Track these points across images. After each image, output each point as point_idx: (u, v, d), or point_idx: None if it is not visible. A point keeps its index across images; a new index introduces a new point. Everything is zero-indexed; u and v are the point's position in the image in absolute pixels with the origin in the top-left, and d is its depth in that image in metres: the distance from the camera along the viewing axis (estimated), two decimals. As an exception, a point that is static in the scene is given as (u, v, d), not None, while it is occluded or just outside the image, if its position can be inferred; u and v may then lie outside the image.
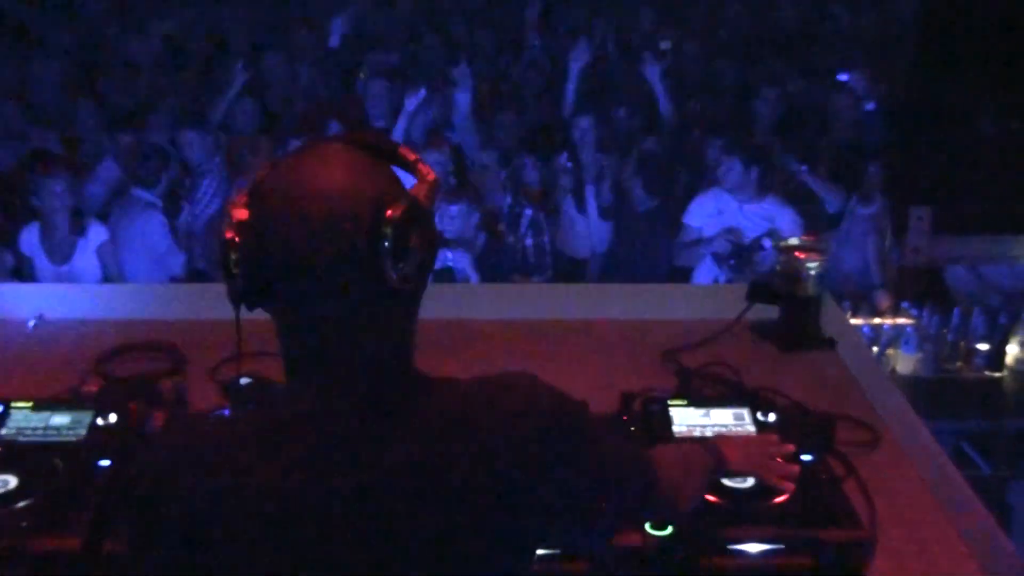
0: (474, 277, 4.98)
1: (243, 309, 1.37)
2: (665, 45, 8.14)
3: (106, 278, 5.18)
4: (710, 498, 1.91)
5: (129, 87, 6.83)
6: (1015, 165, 2.13)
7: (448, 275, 4.95)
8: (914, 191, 2.12)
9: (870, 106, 6.43)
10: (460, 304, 2.90)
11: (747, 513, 1.90)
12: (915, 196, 2.13)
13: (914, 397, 4.42)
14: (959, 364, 4.62)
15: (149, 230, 5.41)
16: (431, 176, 1.39)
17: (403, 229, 1.28)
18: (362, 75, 7.13)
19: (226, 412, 2.24)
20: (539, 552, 1.63)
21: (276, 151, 5.99)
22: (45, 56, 7.04)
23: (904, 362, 4.58)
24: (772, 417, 2.21)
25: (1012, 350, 4.56)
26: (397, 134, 5.97)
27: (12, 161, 5.85)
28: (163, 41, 7.68)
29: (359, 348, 1.34)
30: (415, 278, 1.32)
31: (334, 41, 7.49)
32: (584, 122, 6.17)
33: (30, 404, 2.17)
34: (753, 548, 1.88)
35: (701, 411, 2.24)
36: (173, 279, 5.40)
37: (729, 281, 4.99)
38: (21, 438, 2.08)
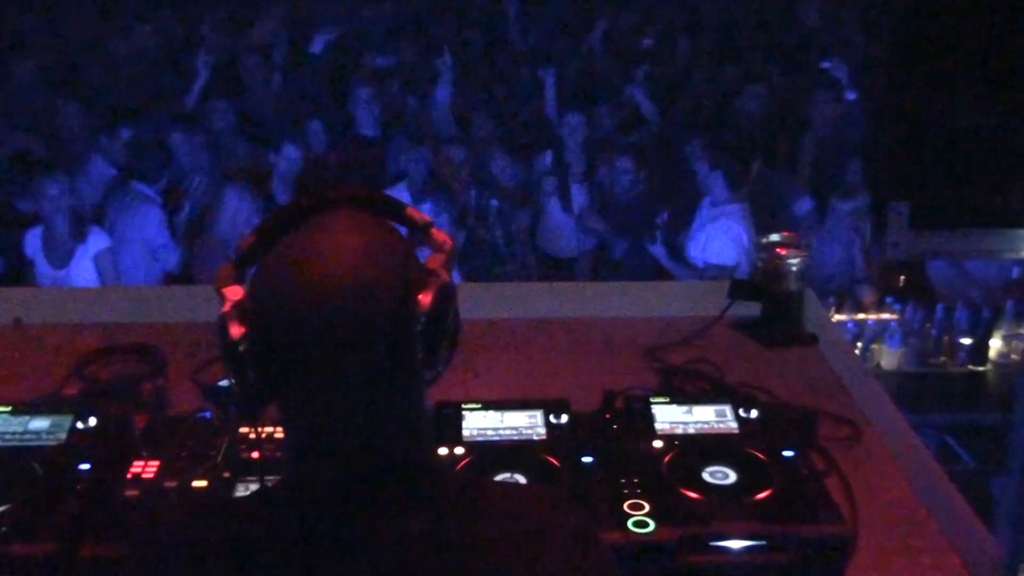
0: (456, 276, 4.98)
1: None
2: (648, 42, 8.17)
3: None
4: (691, 495, 1.92)
5: (113, 88, 6.82)
6: (993, 159, 2.14)
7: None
8: (892, 186, 2.12)
9: (851, 95, 6.45)
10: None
11: (728, 509, 1.90)
12: (894, 191, 2.13)
13: (899, 392, 4.46)
14: (943, 359, 4.64)
15: (146, 224, 5.40)
16: (449, 244, 1.28)
17: (436, 316, 1.17)
18: (352, 77, 7.16)
19: (207, 414, 2.23)
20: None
21: (263, 155, 6.00)
22: (24, 57, 7.01)
23: (888, 357, 4.60)
24: (754, 413, 2.21)
25: (995, 344, 4.59)
26: None
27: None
28: (146, 43, 7.67)
29: (376, 440, 1.21)
30: (445, 364, 1.23)
31: (317, 46, 7.47)
32: (574, 119, 6.17)
33: (8, 409, 2.15)
34: (734, 544, 1.88)
35: (683, 408, 2.24)
36: (168, 275, 5.39)
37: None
38: (0, 443, 2.07)
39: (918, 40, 2.15)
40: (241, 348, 1.17)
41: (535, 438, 2.12)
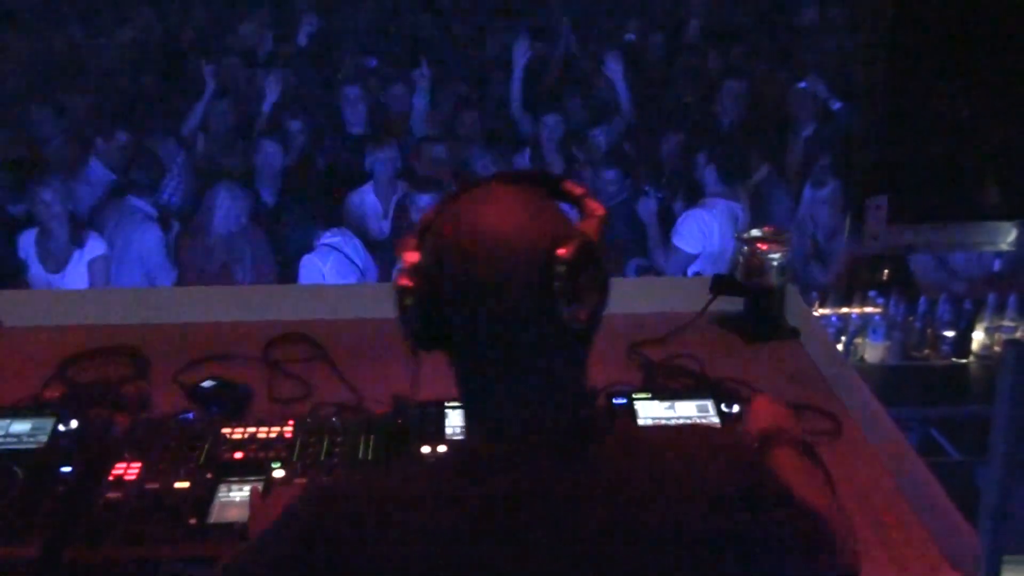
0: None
1: None
2: (630, 37, 8.18)
3: None
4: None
5: (103, 92, 6.81)
6: (969, 154, 2.16)
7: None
8: (870, 180, 2.13)
9: (836, 105, 6.47)
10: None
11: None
12: (872, 185, 2.15)
13: (883, 385, 4.47)
14: (926, 351, 4.65)
15: (144, 241, 5.38)
16: (600, 211, 1.40)
17: (575, 268, 1.27)
18: (340, 75, 7.16)
19: (190, 415, 2.23)
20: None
21: (248, 151, 5.99)
22: (8, 61, 7.00)
23: (872, 350, 4.61)
24: (736, 408, 2.22)
25: (978, 336, 4.61)
26: None
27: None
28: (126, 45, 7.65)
29: (536, 390, 1.32)
30: (589, 317, 1.30)
31: (302, 40, 7.47)
32: (551, 120, 6.19)
33: (-10, 411, 2.15)
34: (717, 539, 1.88)
35: (665, 404, 2.25)
36: None
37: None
38: (-19, 446, 2.07)
39: (896, 37, 2.16)
40: (407, 301, 1.32)
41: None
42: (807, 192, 5.51)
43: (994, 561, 2.01)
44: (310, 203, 5.58)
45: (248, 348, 2.65)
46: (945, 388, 4.54)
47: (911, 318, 4.65)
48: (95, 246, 5.16)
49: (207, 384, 2.40)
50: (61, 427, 2.11)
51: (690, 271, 5.20)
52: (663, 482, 1.30)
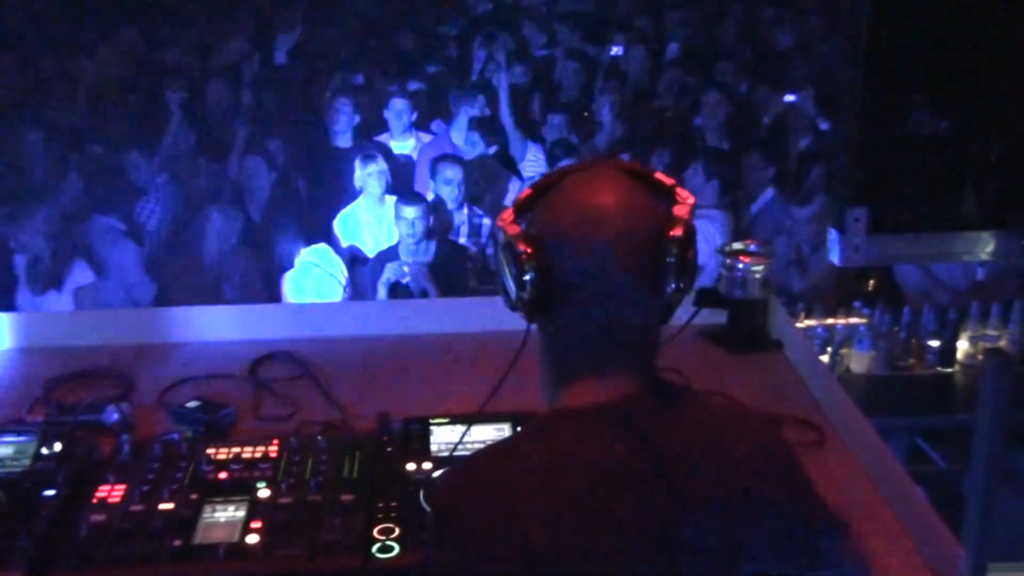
0: (432, 291, 4.96)
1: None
2: (618, 51, 8.22)
3: None
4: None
5: (73, 110, 6.79)
6: (947, 165, 2.17)
7: (405, 291, 4.94)
8: (851, 192, 2.14)
9: (824, 126, 6.52)
10: (409, 320, 2.91)
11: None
12: (853, 197, 2.16)
13: (869, 395, 4.49)
14: (912, 361, 4.68)
15: (120, 258, 5.36)
16: (691, 199, 1.50)
17: (684, 248, 1.41)
18: (328, 94, 7.16)
19: (174, 436, 2.22)
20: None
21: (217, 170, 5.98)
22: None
23: (858, 361, 4.63)
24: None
25: (962, 346, 4.63)
26: None
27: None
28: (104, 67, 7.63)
29: (636, 356, 1.47)
30: (686, 291, 1.45)
31: (280, 58, 7.47)
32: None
33: (-28, 436, 2.14)
34: (701, 552, 1.89)
35: (650, 417, 2.25)
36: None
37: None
38: (-37, 471, 2.06)
39: (873, 49, 2.18)
40: (528, 266, 1.40)
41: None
42: (797, 211, 5.53)
43: (979, 570, 2.01)
44: (294, 220, 5.58)
45: (233, 367, 2.65)
46: (930, 397, 4.57)
47: (896, 328, 4.68)
48: (82, 274, 5.13)
49: (191, 404, 2.39)
50: (44, 450, 2.11)
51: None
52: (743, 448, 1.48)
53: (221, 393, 2.50)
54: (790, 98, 7.01)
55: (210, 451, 2.14)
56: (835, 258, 2.18)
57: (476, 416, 2.23)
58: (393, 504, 1.96)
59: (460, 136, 6.39)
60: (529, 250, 1.40)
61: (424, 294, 4.91)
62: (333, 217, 5.74)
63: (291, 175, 6.14)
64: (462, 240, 5.50)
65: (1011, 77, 2.15)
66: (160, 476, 2.05)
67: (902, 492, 2.12)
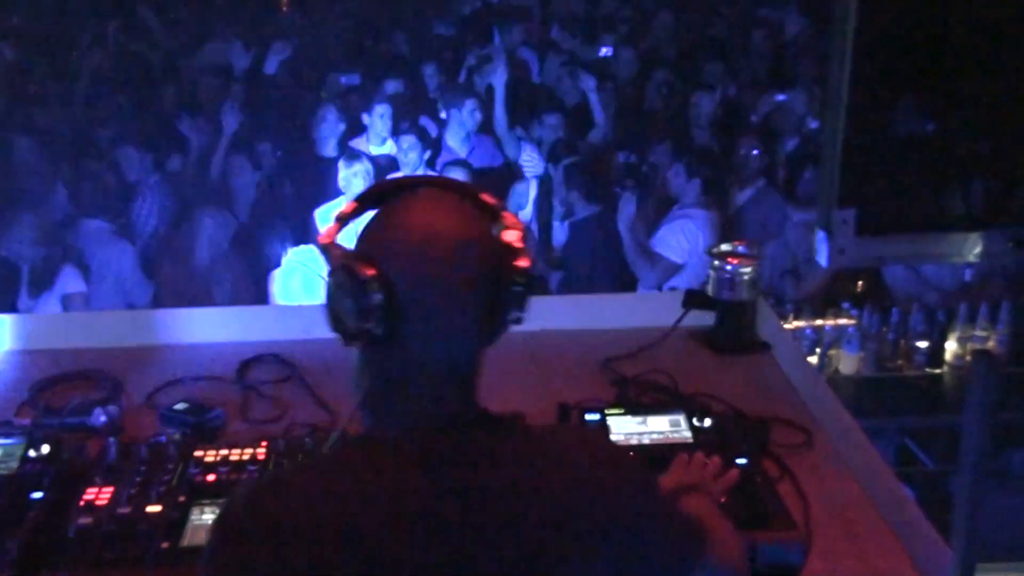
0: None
1: None
2: (608, 51, 8.23)
3: None
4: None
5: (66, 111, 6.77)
6: (933, 166, 2.18)
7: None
8: (839, 193, 2.16)
9: (814, 124, 6.52)
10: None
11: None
12: (840, 198, 2.17)
13: (857, 396, 4.49)
14: (900, 362, 4.68)
15: (118, 261, 5.33)
16: (521, 224, 1.46)
17: (526, 275, 1.39)
18: (323, 94, 7.14)
19: (163, 439, 2.21)
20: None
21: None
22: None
23: (847, 362, 4.64)
24: (708, 422, 2.23)
25: (950, 347, 4.64)
26: None
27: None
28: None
29: (453, 384, 1.39)
30: (519, 321, 1.40)
31: (271, 67, 7.44)
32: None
33: (-41, 438, 2.14)
34: (689, 553, 1.89)
35: (638, 419, 2.26)
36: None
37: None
38: (-49, 474, 2.05)
39: (860, 50, 2.18)
40: (373, 286, 1.31)
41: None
42: (796, 215, 5.51)
43: (967, 570, 2.01)
44: (280, 220, 5.57)
45: (221, 369, 2.65)
46: (919, 398, 4.57)
47: (884, 329, 4.68)
48: (68, 281, 5.10)
49: (179, 407, 2.39)
50: (32, 452, 2.10)
51: (672, 283, 5.20)
52: (558, 473, 1.38)
53: (209, 395, 2.49)
54: (780, 98, 7.01)
55: (198, 453, 2.13)
56: (822, 259, 2.18)
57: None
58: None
59: (455, 140, 6.39)
60: (373, 273, 1.32)
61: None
62: (317, 216, 5.71)
63: (277, 177, 6.12)
64: None
65: (997, 78, 2.16)
66: (148, 478, 2.04)
67: (890, 492, 2.13)
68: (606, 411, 2.28)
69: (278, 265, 5.10)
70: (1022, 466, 4.24)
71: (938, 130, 2.27)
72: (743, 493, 1.99)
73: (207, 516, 1.94)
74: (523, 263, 1.38)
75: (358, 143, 6.40)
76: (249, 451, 2.15)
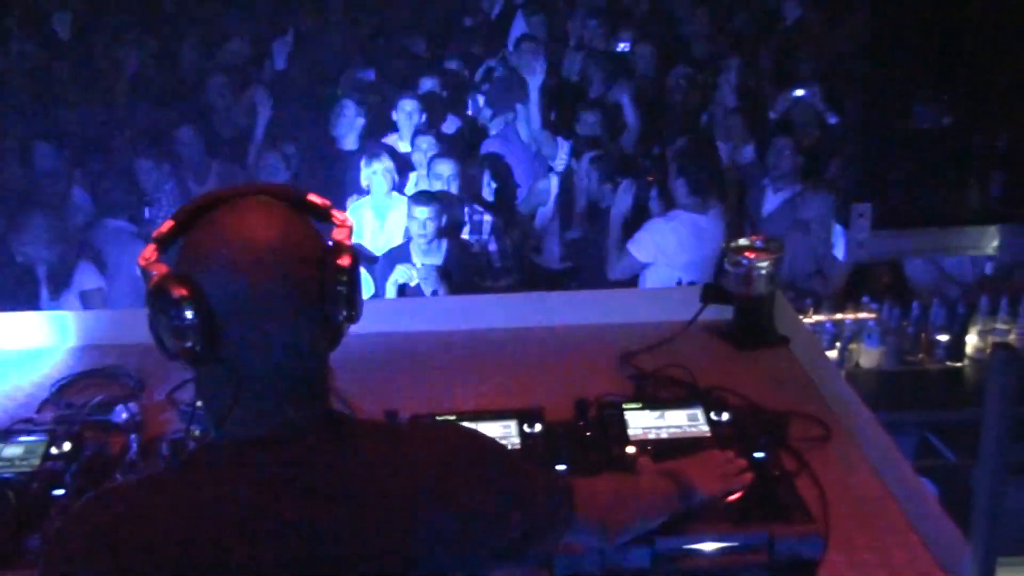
0: (443, 293, 4.94)
1: None
2: (625, 47, 8.20)
3: None
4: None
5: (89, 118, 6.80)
6: (950, 161, 2.17)
7: (414, 291, 4.94)
8: (855, 188, 2.15)
9: (833, 119, 6.48)
10: (416, 317, 2.91)
11: (701, 511, 1.91)
12: (857, 192, 2.16)
13: (878, 390, 4.47)
14: (921, 356, 4.65)
15: (136, 259, 5.32)
16: (350, 222, 1.45)
17: (353, 276, 1.36)
18: (339, 91, 7.15)
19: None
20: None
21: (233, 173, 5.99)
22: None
23: (867, 356, 4.61)
24: (725, 416, 2.23)
25: (971, 340, 4.61)
26: None
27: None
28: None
29: (290, 390, 1.39)
30: (354, 319, 1.39)
31: (279, 64, 7.45)
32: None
33: (-19, 436, 2.16)
34: (707, 546, 1.90)
35: (656, 413, 2.26)
36: None
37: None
38: (-26, 471, 2.07)
39: (877, 49, 2.18)
40: (188, 309, 1.30)
41: (509, 448, 2.13)
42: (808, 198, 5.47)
43: (988, 563, 2.01)
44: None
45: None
46: (940, 392, 4.54)
47: (905, 323, 4.66)
48: (86, 278, 5.13)
49: (200, 403, 2.40)
50: (54, 450, 2.12)
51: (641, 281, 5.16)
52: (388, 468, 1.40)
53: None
54: (799, 92, 6.97)
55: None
56: (840, 253, 2.18)
57: (482, 413, 2.26)
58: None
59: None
60: (185, 292, 1.30)
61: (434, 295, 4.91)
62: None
63: (302, 174, 6.14)
64: (464, 236, 5.48)
65: (1015, 72, 2.15)
66: (168, 475, 2.05)
67: (909, 486, 2.12)
68: (624, 405, 2.28)
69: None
70: (1043, 459, 4.21)
71: (956, 123, 2.27)
72: (761, 487, 1.98)
73: (227, 512, 1.95)
74: (344, 262, 1.35)
75: (390, 140, 6.42)
76: (268, 447, 2.15)
